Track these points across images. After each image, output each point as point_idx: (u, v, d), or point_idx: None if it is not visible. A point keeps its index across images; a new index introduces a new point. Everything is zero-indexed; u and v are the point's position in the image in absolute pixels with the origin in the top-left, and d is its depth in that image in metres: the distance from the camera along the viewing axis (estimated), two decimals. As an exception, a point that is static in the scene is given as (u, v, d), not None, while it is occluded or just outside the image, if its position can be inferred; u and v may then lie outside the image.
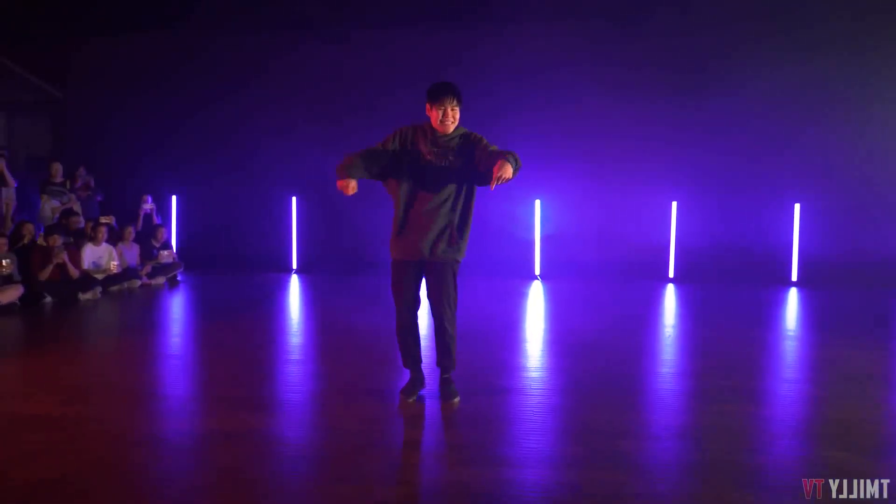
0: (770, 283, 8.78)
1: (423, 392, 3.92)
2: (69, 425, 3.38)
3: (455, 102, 3.61)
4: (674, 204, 9.27)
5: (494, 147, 3.61)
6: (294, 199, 9.87)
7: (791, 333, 5.99)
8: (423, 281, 3.77)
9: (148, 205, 9.25)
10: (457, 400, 3.78)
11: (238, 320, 6.35)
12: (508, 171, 3.32)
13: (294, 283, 8.98)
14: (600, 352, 5.06)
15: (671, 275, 9.24)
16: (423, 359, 3.92)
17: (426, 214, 3.63)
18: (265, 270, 9.67)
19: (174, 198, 9.93)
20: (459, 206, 3.67)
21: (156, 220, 9.26)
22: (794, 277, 8.99)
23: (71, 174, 9.32)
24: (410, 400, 3.80)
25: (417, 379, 3.88)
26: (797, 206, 9.00)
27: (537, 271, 9.33)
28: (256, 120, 10.04)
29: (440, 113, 3.60)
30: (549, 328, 6.16)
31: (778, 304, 7.67)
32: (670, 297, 8.00)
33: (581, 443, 3.19)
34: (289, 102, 10.02)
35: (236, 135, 10.11)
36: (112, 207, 9.48)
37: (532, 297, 7.93)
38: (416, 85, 9.50)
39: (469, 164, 3.63)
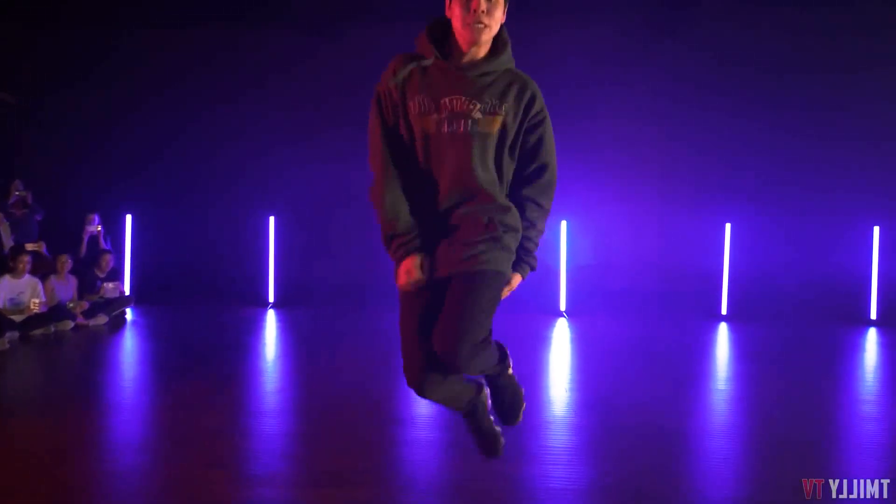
0: (845, 322, 7.35)
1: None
2: None
3: None
4: (727, 226, 7.80)
5: (542, 161, 2.18)
6: (272, 219, 8.32)
7: (870, 409, 4.49)
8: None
9: (94, 226, 7.66)
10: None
11: (193, 383, 4.77)
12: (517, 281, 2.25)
13: (270, 321, 7.42)
14: (640, 453, 3.56)
15: (724, 311, 7.74)
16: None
17: (447, 217, 2.12)
18: (236, 304, 8.09)
19: (128, 217, 8.36)
20: (504, 194, 2.15)
21: (103, 244, 7.68)
22: (874, 315, 7.50)
23: (4, 188, 7.77)
24: None
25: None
26: (876, 230, 7.53)
27: (563, 307, 7.80)
28: (229, 126, 8.56)
29: (462, 5, 2.03)
30: (574, 402, 4.63)
31: (854, 352, 6.39)
32: (723, 344, 6.69)
33: None
34: (268, 106, 8.55)
35: (205, 144, 8.61)
36: (52, 229, 7.91)
37: (555, 343, 6.45)
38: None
39: (510, 136, 2.12)
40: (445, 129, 2.05)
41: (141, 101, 8.63)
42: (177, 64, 8.62)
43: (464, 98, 2.06)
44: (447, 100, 2.06)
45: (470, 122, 2.05)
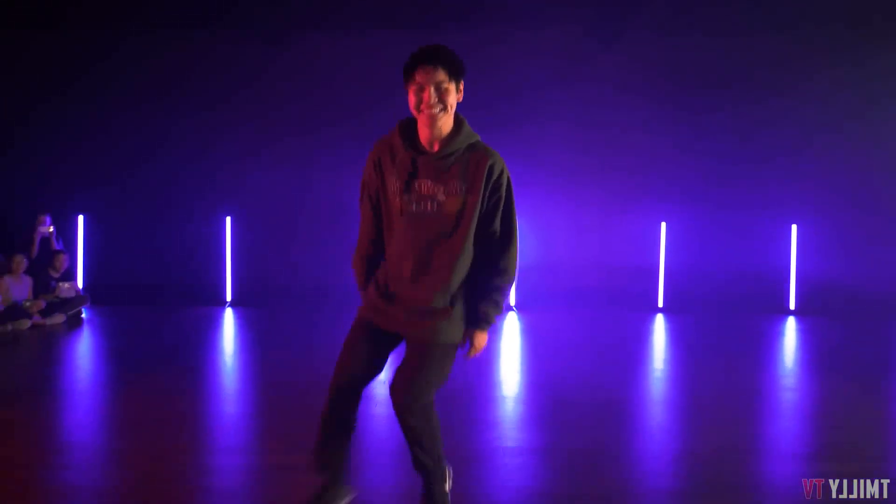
0: (767, 312, 8.03)
1: None
2: None
3: (442, 75, 2.29)
4: (663, 225, 8.36)
5: (497, 227, 2.41)
6: (229, 219, 8.44)
7: (789, 382, 5.14)
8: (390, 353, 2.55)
9: (46, 227, 7.63)
10: None
11: (153, 379, 4.91)
12: (484, 341, 2.49)
13: (228, 319, 7.56)
14: (585, 420, 3.99)
15: (660, 304, 8.30)
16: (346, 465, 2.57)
17: (410, 288, 2.41)
18: (192, 304, 8.17)
19: (80, 218, 8.32)
20: (460, 270, 2.40)
21: (55, 245, 7.65)
22: (792, 306, 8.21)
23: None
24: None
25: (330, 491, 2.54)
26: (794, 228, 8.24)
27: (512, 302, 8.22)
28: (183, 125, 8.53)
29: (416, 96, 2.31)
30: (525, 381, 5.02)
31: (776, 338, 6.99)
32: (660, 333, 7.19)
33: None
34: (225, 109, 8.55)
35: (158, 142, 8.57)
36: (4, 230, 7.83)
37: (506, 334, 6.81)
38: (366, 90, 8.42)
39: (470, 212, 2.38)
40: (415, 209, 2.35)
41: (93, 104, 8.52)
42: (131, 68, 8.56)
43: (430, 182, 2.34)
44: (417, 183, 2.35)
45: (436, 203, 2.34)
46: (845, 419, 4.09)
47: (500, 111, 8.17)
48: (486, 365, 5.44)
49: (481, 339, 2.46)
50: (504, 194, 2.40)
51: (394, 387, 2.39)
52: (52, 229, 7.71)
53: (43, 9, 8.45)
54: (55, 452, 3.45)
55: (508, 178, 2.42)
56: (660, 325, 7.49)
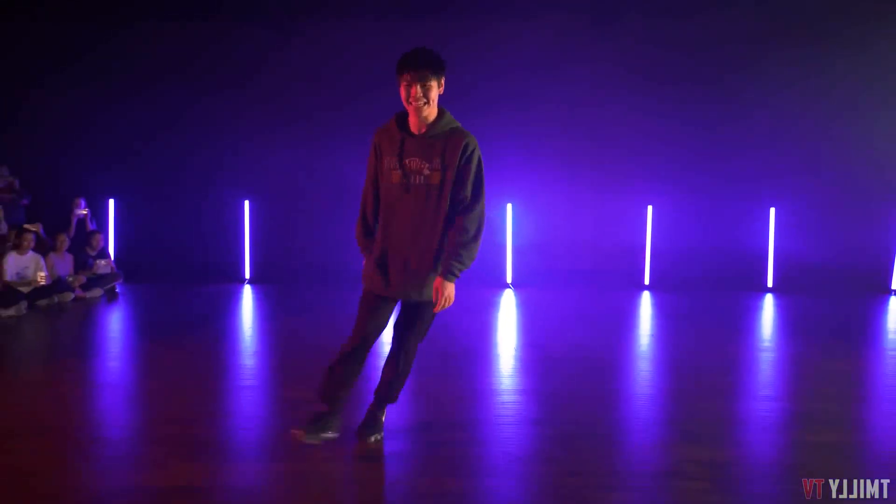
0: (746, 290, 8.57)
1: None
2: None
3: (426, 75, 2.80)
4: (649, 208, 8.95)
5: (467, 193, 2.89)
6: (247, 202, 9.09)
7: (767, 345, 5.74)
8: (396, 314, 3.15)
9: (81, 209, 8.31)
10: (375, 438, 3.18)
11: (184, 339, 5.60)
12: (451, 294, 2.89)
13: (247, 295, 8.22)
14: (574, 372, 4.58)
15: (647, 282, 8.91)
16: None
17: (402, 250, 2.93)
18: (214, 281, 8.85)
19: (111, 202, 8.99)
20: (441, 235, 2.92)
21: (90, 225, 8.34)
22: (770, 283, 8.81)
23: (-9, 175, 8.31)
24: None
25: (334, 417, 3.12)
26: (772, 211, 8.83)
27: (509, 279, 8.84)
28: (205, 114, 9.15)
29: (405, 92, 2.83)
30: (520, 343, 5.66)
31: (753, 312, 7.48)
32: (646, 308, 7.70)
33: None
34: (243, 97, 9.17)
35: (182, 131, 9.20)
36: (40, 212, 8.50)
37: (503, 308, 7.40)
38: (372, 78, 8.97)
39: (448, 184, 2.89)
40: (406, 182, 2.87)
41: (123, 93, 9.15)
42: (156, 59, 9.16)
43: (418, 159, 2.87)
44: (407, 161, 2.88)
45: (422, 177, 2.87)
46: (809, 374, 4.72)
47: (494, 97, 8.68)
48: (483, 332, 6.09)
49: (449, 289, 2.88)
50: (473, 167, 2.88)
51: (397, 331, 3.02)
52: (86, 211, 8.39)
53: (71, 3, 9.02)
54: (101, 392, 4.14)
55: (479, 155, 2.96)
56: (646, 300, 8.00)
